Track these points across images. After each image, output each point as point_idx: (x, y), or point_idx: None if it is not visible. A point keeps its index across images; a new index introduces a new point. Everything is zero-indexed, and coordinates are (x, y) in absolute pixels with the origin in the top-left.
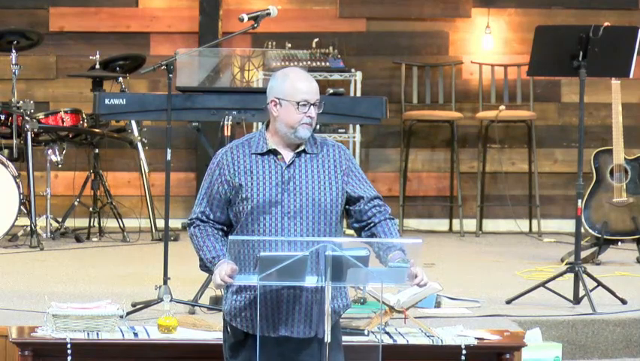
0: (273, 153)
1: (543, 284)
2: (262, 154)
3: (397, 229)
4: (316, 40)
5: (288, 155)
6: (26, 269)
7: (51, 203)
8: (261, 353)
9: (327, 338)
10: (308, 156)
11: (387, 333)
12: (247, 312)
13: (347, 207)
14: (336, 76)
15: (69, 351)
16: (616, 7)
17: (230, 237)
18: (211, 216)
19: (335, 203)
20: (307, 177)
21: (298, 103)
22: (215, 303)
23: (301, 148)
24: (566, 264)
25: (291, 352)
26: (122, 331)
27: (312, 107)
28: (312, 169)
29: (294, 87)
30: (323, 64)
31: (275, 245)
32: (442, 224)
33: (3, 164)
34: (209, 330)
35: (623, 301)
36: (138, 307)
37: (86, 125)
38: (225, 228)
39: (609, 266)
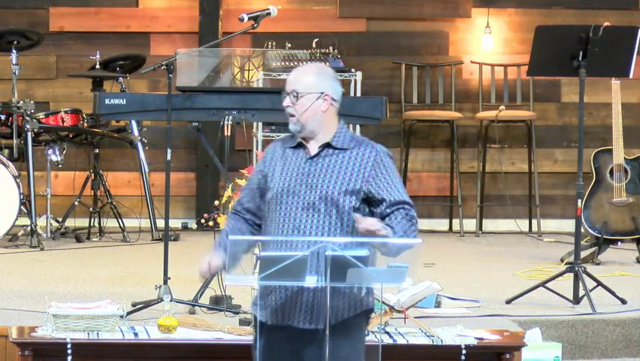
0: (303, 146)
1: (543, 284)
2: (293, 147)
3: (408, 225)
4: (316, 40)
5: (314, 148)
6: (26, 269)
7: (51, 203)
8: (269, 343)
9: (328, 327)
10: (334, 150)
11: (387, 333)
12: (260, 301)
13: (372, 208)
14: None
15: (69, 351)
16: (616, 7)
17: (230, 237)
18: (244, 205)
19: (349, 201)
20: (326, 172)
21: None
22: (215, 303)
23: (325, 141)
24: (566, 264)
25: (298, 342)
26: (122, 331)
27: (287, 96)
28: (334, 165)
29: None
30: (323, 64)
31: (276, 242)
32: (442, 224)
33: (3, 164)
34: (209, 330)
35: (623, 301)
36: (138, 307)
37: (86, 125)
38: (255, 218)
39: (609, 266)
